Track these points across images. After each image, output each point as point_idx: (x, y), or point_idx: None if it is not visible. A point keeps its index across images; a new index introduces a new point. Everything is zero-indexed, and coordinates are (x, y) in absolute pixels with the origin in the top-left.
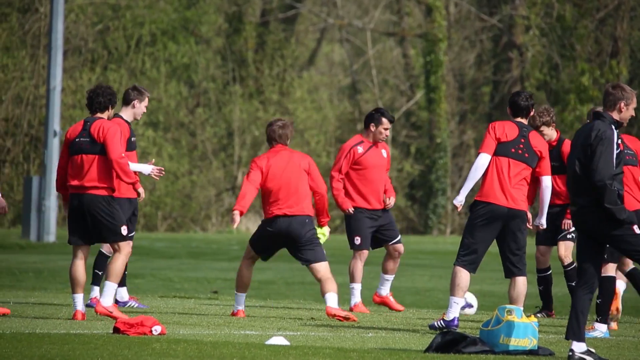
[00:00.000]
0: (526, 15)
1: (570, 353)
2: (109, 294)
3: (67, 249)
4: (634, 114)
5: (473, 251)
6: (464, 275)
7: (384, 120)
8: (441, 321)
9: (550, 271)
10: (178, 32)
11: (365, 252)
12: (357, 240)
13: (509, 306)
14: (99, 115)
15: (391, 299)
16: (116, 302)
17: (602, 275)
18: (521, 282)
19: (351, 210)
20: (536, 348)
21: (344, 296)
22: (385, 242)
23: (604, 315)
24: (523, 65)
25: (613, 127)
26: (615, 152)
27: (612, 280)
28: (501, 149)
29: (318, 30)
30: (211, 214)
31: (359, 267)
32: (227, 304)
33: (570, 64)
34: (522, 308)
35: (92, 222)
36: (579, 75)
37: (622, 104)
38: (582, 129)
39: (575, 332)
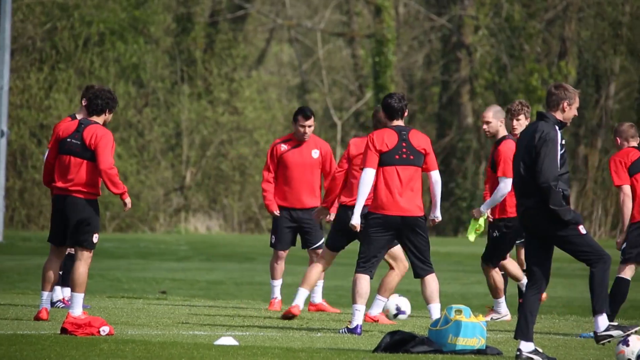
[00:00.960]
0: (475, 15)
1: (518, 352)
2: (78, 304)
3: (14, 249)
4: (577, 114)
5: (371, 258)
6: (363, 282)
7: (298, 117)
8: (345, 329)
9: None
10: (127, 32)
11: (279, 252)
12: (273, 239)
13: (457, 306)
14: (94, 118)
15: (325, 304)
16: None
17: (617, 275)
18: (431, 279)
19: (276, 213)
20: (484, 347)
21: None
22: (305, 246)
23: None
24: (472, 66)
25: (557, 127)
26: (559, 152)
27: (623, 281)
28: (385, 159)
29: (267, 30)
30: (159, 214)
31: (274, 265)
32: (175, 304)
33: (519, 64)
34: (439, 304)
35: (71, 225)
36: (527, 75)
37: (565, 104)
38: (526, 130)
39: (523, 331)
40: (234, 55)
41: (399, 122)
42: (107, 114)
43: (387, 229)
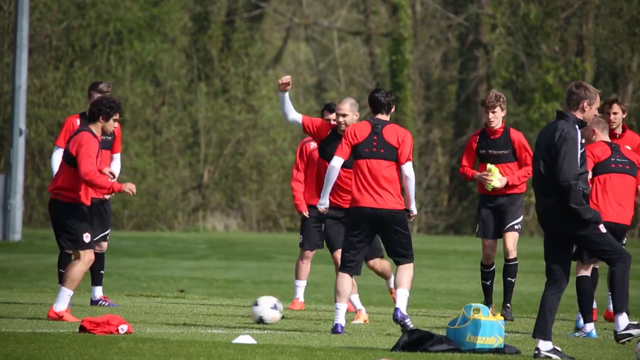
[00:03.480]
0: (492, 14)
1: (537, 351)
2: (64, 299)
3: (32, 248)
4: (597, 114)
5: (353, 255)
6: (344, 281)
7: (324, 111)
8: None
9: (494, 267)
10: (144, 30)
11: (307, 252)
12: (301, 239)
13: (475, 304)
14: (90, 125)
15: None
16: (90, 301)
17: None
18: (406, 267)
19: (305, 214)
20: (502, 346)
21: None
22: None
23: (586, 315)
24: (489, 64)
25: (577, 126)
26: (579, 151)
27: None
28: (357, 152)
29: (284, 29)
30: (177, 213)
31: (300, 265)
32: (193, 303)
33: (535, 62)
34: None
35: (55, 228)
36: (544, 73)
37: (586, 104)
38: (545, 128)
39: (542, 330)
40: (250, 54)
41: (382, 117)
42: (101, 121)
43: (361, 221)
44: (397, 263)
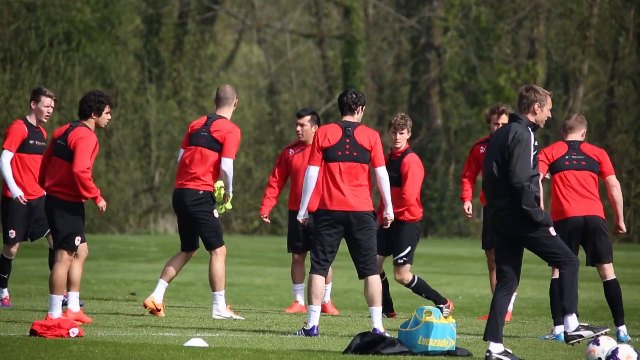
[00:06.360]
0: (444, 16)
1: (488, 354)
2: (57, 306)
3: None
4: (550, 115)
5: (329, 256)
6: (319, 283)
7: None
8: (301, 331)
9: None
10: (95, 32)
11: (293, 255)
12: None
13: (427, 307)
14: (82, 121)
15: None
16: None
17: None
18: (374, 280)
19: (263, 218)
20: (454, 349)
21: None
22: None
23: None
24: (441, 67)
25: (530, 129)
26: (532, 154)
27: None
28: (329, 155)
29: (236, 32)
30: (129, 215)
31: (292, 269)
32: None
33: (487, 64)
34: (380, 307)
35: (51, 224)
36: (496, 76)
37: (536, 106)
38: (499, 130)
39: (493, 332)
40: (202, 56)
41: (349, 118)
42: (93, 116)
43: (334, 224)
44: (364, 273)
